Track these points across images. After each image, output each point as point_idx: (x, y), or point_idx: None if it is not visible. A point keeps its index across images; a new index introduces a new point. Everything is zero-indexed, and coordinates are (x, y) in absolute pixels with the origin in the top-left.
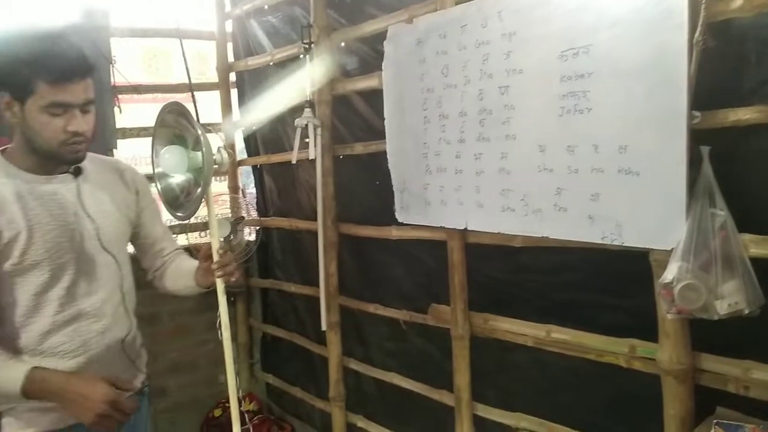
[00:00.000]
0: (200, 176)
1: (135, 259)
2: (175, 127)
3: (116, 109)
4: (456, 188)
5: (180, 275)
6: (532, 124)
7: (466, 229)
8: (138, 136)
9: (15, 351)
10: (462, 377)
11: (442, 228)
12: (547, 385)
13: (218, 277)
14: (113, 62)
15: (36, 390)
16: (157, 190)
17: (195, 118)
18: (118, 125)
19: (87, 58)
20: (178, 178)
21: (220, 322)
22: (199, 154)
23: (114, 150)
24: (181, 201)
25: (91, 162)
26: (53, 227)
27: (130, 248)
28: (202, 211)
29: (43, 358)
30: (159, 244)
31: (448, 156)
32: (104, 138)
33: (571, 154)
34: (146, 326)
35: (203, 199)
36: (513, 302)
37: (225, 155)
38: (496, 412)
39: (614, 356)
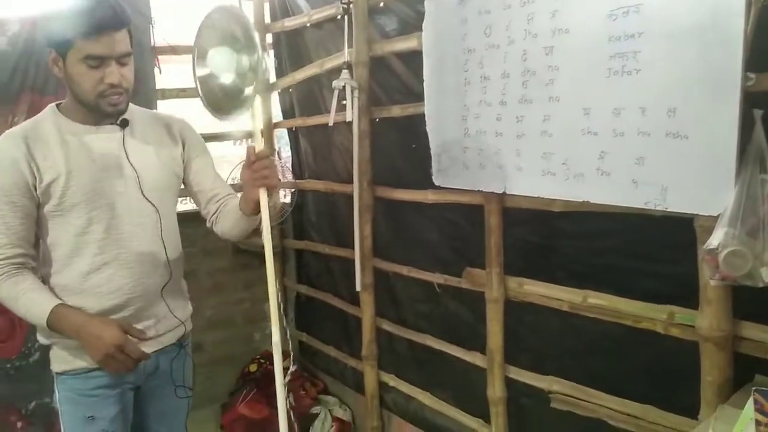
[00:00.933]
0: (244, 82)
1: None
2: (225, 29)
3: (156, 70)
4: (495, 152)
5: (230, 213)
6: (577, 86)
7: (504, 193)
8: (177, 96)
9: (60, 289)
10: (495, 339)
11: (479, 192)
12: (581, 350)
13: (258, 184)
14: (152, 23)
15: (57, 324)
16: (199, 94)
17: (247, 20)
18: (158, 86)
19: (120, 12)
20: (223, 81)
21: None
22: (244, 58)
23: (154, 111)
24: (224, 105)
25: (140, 115)
26: (92, 172)
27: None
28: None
29: (84, 297)
30: (212, 190)
31: (488, 118)
32: (144, 98)
33: (617, 116)
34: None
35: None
36: (549, 267)
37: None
38: (528, 374)
39: (651, 322)
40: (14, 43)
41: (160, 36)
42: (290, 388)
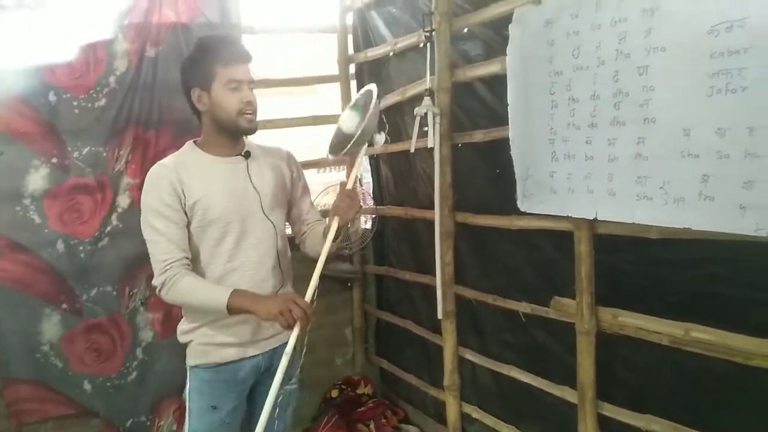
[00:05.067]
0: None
1: None
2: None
3: None
4: (585, 176)
5: (315, 235)
6: (675, 106)
7: (595, 219)
8: (266, 128)
9: None
10: (586, 374)
11: (568, 217)
12: (683, 388)
13: (334, 211)
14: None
15: (237, 302)
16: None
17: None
18: None
19: (246, 48)
20: (343, 131)
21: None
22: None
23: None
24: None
25: (259, 149)
26: (226, 194)
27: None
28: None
29: None
30: (305, 214)
31: (577, 142)
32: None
33: (721, 137)
34: None
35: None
36: (645, 297)
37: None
38: (623, 412)
39: (765, 359)
40: (121, 81)
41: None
42: (371, 415)
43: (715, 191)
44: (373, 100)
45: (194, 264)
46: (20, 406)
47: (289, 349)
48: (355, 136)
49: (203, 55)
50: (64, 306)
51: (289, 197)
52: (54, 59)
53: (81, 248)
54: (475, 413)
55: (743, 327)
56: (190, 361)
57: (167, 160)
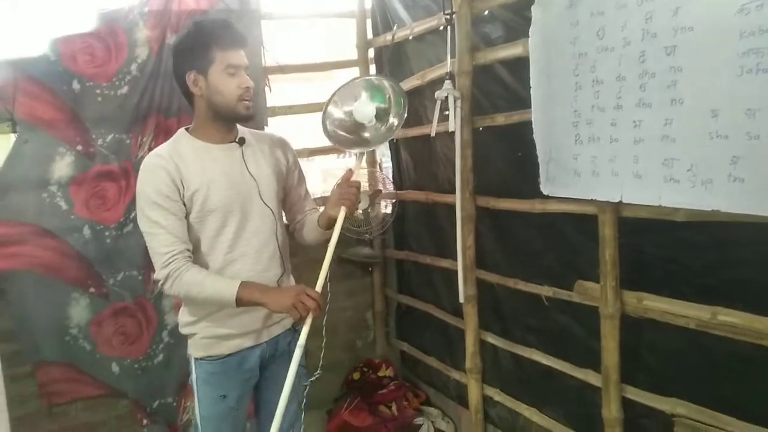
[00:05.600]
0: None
1: None
2: (375, 87)
3: (266, 89)
4: (610, 158)
5: (309, 224)
6: (703, 87)
7: (620, 202)
8: (285, 113)
9: None
10: (610, 357)
11: (592, 201)
12: (709, 372)
13: (340, 202)
14: (264, 45)
15: (246, 294)
16: (324, 127)
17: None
18: (268, 104)
19: (243, 33)
20: (357, 122)
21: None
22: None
23: (265, 127)
24: (342, 139)
25: (252, 135)
26: (225, 182)
27: None
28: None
29: None
30: (301, 202)
31: (601, 124)
32: (256, 116)
33: (751, 118)
34: None
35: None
36: (671, 281)
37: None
38: (647, 395)
39: None
40: (142, 69)
41: (270, 57)
42: (392, 397)
43: (744, 173)
44: (404, 106)
45: (194, 255)
46: (51, 387)
47: (302, 341)
48: (379, 142)
49: (200, 38)
50: (92, 290)
51: (285, 184)
52: (76, 47)
53: (107, 234)
54: (497, 396)
55: None
56: (195, 353)
57: (162, 150)
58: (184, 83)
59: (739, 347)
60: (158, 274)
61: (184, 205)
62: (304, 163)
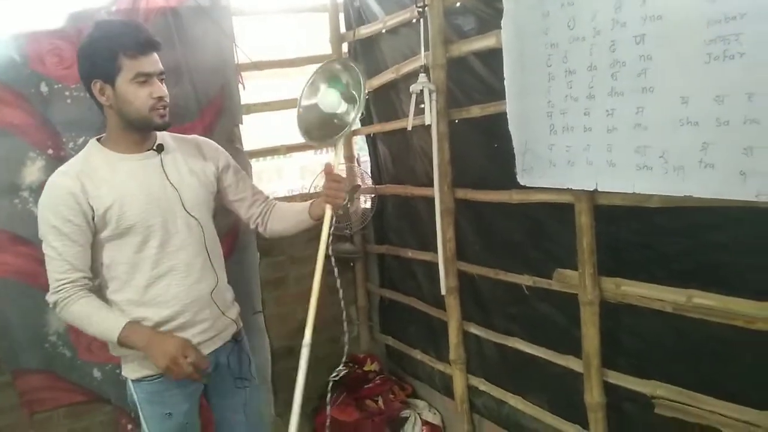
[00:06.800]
0: (336, 121)
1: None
2: (337, 75)
3: (240, 86)
4: (584, 147)
5: (290, 214)
6: (672, 75)
7: (595, 190)
8: (261, 110)
9: (124, 303)
10: (591, 343)
11: (568, 190)
12: (687, 354)
13: (326, 200)
14: (235, 42)
15: (128, 338)
16: (297, 116)
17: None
18: (243, 101)
19: (153, 35)
20: (324, 114)
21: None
22: (344, 104)
23: (240, 125)
24: (314, 133)
25: (172, 140)
26: (141, 197)
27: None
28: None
29: (146, 308)
30: (252, 196)
31: (575, 114)
32: (231, 114)
33: (720, 104)
34: (273, 290)
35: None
36: (647, 266)
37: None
38: (628, 379)
39: (766, 323)
40: None
41: (242, 53)
42: (379, 391)
43: (715, 158)
44: (363, 81)
45: (115, 274)
46: (32, 395)
47: (307, 340)
48: (349, 126)
49: (105, 44)
50: None
51: (217, 188)
52: (43, 49)
53: None
54: (482, 386)
55: (744, 292)
56: (130, 374)
57: (68, 167)
58: (91, 92)
59: (715, 329)
60: (48, 298)
61: (95, 226)
62: (282, 160)
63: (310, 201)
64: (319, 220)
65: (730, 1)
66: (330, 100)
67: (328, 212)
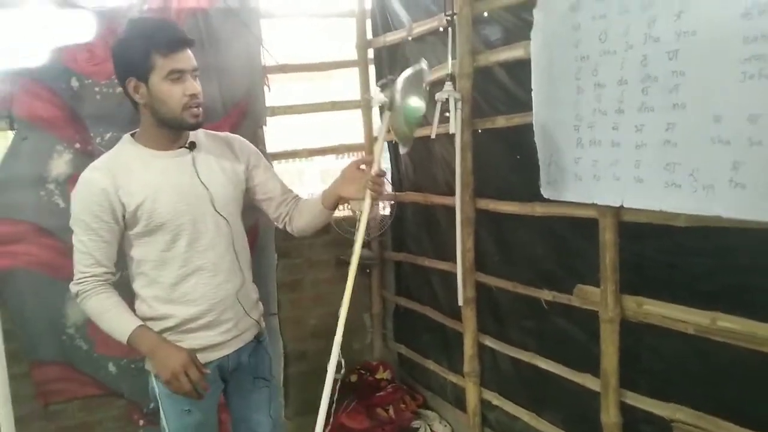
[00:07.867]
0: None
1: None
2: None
3: (265, 88)
4: (612, 162)
5: (306, 208)
6: (705, 92)
7: (621, 206)
8: (285, 113)
9: (151, 299)
10: (609, 361)
11: (593, 205)
12: (708, 377)
13: (370, 193)
14: (263, 44)
15: (136, 342)
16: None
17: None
18: (267, 103)
19: (185, 32)
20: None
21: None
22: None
23: (264, 127)
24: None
25: (204, 137)
26: (173, 194)
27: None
28: None
29: (173, 306)
30: (281, 195)
31: (603, 128)
32: (255, 115)
33: (753, 124)
34: (289, 292)
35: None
36: (672, 286)
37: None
38: (647, 401)
39: None
40: None
41: (269, 56)
42: (390, 400)
43: (746, 178)
44: (426, 76)
45: (143, 270)
46: (47, 386)
47: (338, 338)
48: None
49: (138, 42)
50: None
51: (247, 186)
52: (75, 45)
53: None
54: (496, 400)
55: None
56: (153, 369)
57: (101, 162)
58: (126, 90)
59: (739, 353)
60: (71, 287)
61: (125, 224)
62: (304, 164)
63: (322, 191)
64: (332, 209)
65: (767, 19)
66: (419, 105)
67: (368, 201)
